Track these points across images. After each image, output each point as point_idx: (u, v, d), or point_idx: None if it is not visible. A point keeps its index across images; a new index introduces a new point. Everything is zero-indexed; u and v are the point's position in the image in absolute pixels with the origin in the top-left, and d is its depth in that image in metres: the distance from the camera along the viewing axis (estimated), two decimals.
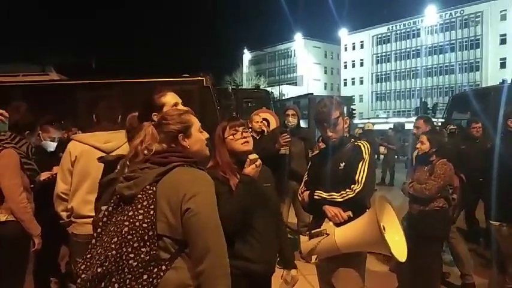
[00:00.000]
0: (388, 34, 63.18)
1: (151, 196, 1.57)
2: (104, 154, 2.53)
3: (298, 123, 5.16)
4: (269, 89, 23.62)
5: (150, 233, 1.52)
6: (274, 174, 2.63)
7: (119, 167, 1.86)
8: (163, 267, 1.53)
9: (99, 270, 1.46)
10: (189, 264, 1.58)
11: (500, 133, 3.71)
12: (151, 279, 1.50)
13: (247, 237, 2.16)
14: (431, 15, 54.99)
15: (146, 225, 1.52)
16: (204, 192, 1.61)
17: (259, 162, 2.17)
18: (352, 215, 2.40)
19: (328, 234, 2.39)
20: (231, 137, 2.25)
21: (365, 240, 2.31)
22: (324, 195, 2.47)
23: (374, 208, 2.24)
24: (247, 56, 76.64)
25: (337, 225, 2.40)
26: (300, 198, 2.71)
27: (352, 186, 2.42)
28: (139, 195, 1.57)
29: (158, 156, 1.67)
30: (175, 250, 1.58)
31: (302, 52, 70.53)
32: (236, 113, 8.79)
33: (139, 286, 1.49)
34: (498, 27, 50.95)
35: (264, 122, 5.48)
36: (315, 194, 2.51)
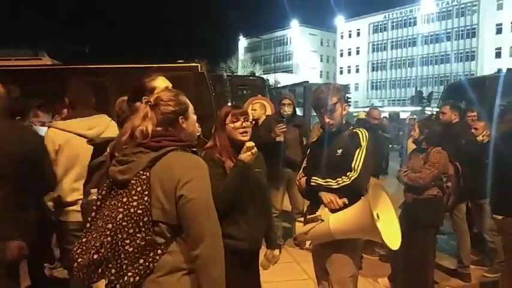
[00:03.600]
0: (385, 22, 62.94)
1: (145, 182, 1.55)
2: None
3: (294, 111, 5.16)
4: (264, 76, 23.53)
5: (145, 219, 1.52)
6: (269, 161, 2.66)
7: (108, 149, 1.85)
8: (159, 252, 1.55)
9: (95, 256, 1.47)
10: (184, 249, 1.59)
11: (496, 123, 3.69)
12: (147, 263, 1.52)
13: (235, 218, 2.28)
14: (428, 4, 54.75)
15: (141, 211, 1.52)
16: (198, 177, 1.60)
17: (255, 150, 2.28)
18: (347, 202, 2.41)
19: (322, 220, 2.41)
20: (232, 124, 2.35)
21: (358, 227, 2.34)
22: (320, 181, 2.49)
23: (367, 196, 2.26)
24: (242, 42, 76.15)
25: (333, 211, 2.42)
26: (297, 184, 2.73)
27: (348, 173, 2.43)
28: (133, 181, 1.56)
29: (152, 140, 1.64)
30: (171, 235, 1.59)
31: (298, 39, 70.16)
32: (231, 99, 8.73)
33: (136, 270, 1.51)
34: (494, 17, 50.91)
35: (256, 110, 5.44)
36: (312, 180, 2.53)
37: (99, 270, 1.48)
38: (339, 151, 2.51)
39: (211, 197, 1.63)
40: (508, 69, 9.06)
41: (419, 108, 27.79)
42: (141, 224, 1.51)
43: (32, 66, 7.02)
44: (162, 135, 1.66)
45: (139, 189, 1.54)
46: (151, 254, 1.54)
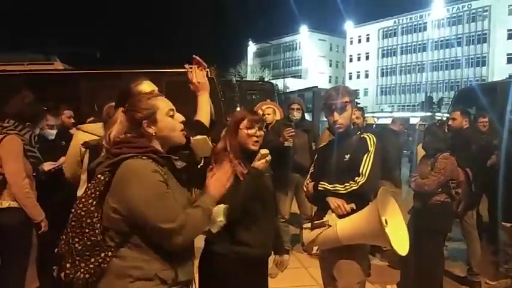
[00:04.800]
0: (395, 27, 62.69)
1: (98, 186, 1.61)
2: None
3: (303, 116, 5.15)
4: (273, 81, 23.53)
5: (88, 221, 1.58)
6: (278, 166, 2.64)
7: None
8: (110, 254, 1.59)
9: (57, 250, 1.62)
10: (135, 255, 1.60)
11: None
12: (97, 264, 1.58)
13: (248, 224, 2.24)
14: (438, 9, 54.49)
15: (84, 213, 1.58)
16: (140, 189, 1.56)
17: (269, 157, 2.26)
18: (355, 207, 2.39)
19: (330, 226, 2.40)
20: (246, 130, 2.27)
21: (366, 232, 2.32)
22: (328, 186, 2.48)
23: (376, 201, 2.24)
24: (251, 48, 76.37)
25: (340, 217, 2.41)
26: (305, 189, 2.72)
27: (356, 178, 2.42)
28: (91, 184, 1.64)
29: (115, 147, 1.66)
30: (119, 240, 1.61)
31: (307, 45, 70.17)
32: (240, 104, 8.76)
33: (87, 268, 1.57)
34: (505, 22, 50.40)
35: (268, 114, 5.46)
36: (319, 185, 2.52)
37: (62, 263, 1.59)
38: (347, 156, 2.50)
39: (159, 201, 1.57)
40: None
41: (429, 113, 27.56)
42: (83, 225, 1.57)
43: (44, 70, 7.13)
44: (124, 142, 1.66)
45: (89, 192, 1.61)
46: (103, 254, 1.58)
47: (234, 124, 2.29)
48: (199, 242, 2.40)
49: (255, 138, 2.26)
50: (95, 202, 1.59)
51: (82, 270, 1.57)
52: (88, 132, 2.80)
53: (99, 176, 1.63)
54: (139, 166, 1.59)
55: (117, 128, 1.71)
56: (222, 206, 1.84)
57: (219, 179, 1.78)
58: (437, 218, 3.57)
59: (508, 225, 3.03)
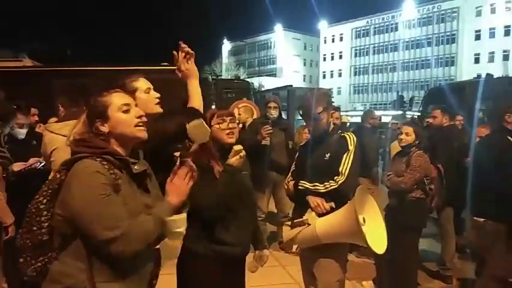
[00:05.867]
0: (367, 27, 63.76)
1: (52, 184, 1.57)
2: None
3: (280, 115, 5.18)
4: (248, 79, 23.53)
5: (37, 219, 1.55)
6: (255, 164, 2.65)
7: None
8: (54, 255, 1.57)
9: (16, 242, 1.60)
10: (72, 261, 1.53)
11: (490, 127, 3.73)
12: (44, 262, 1.56)
13: (226, 222, 2.22)
14: (409, 10, 55.77)
15: (34, 210, 1.56)
16: (79, 190, 1.49)
17: (243, 153, 2.24)
18: (334, 206, 2.42)
19: (309, 224, 2.42)
20: (217, 125, 2.27)
21: (343, 231, 2.35)
22: (308, 185, 2.50)
23: (353, 200, 2.28)
24: (226, 46, 76.11)
25: (320, 215, 2.43)
26: (285, 188, 2.74)
27: (336, 177, 2.45)
28: (47, 182, 1.61)
29: (75, 146, 1.62)
30: (61, 243, 1.57)
31: (282, 44, 70.49)
32: (216, 103, 8.71)
33: (36, 266, 1.56)
34: (473, 23, 52.11)
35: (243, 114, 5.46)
36: (299, 184, 2.54)
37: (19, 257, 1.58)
38: (327, 155, 2.53)
39: (100, 205, 1.47)
40: (487, 75, 9.28)
41: (400, 112, 28.17)
42: (33, 222, 1.56)
43: (12, 68, 6.89)
44: (82, 141, 1.61)
45: (43, 190, 1.58)
46: (49, 254, 1.56)
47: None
48: (177, 241, 2.37)
49: (228, 131, 2.26)
50: (45, 200, 1.55)
51: (32, 267, 1.55)
52: (54, 132, 2.73)
53: (56, 174, 1.59)
54: (84, 166, 1.52)
55: (78, 126, 1.68)
56: (184, 215, 1.65)
57: (177, 186, 1.65)
58: (413, 215, 3.65)
59: (481, 220, 3.13)
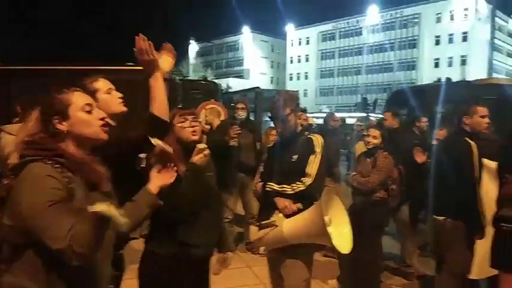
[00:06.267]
0: (333, 31, 64.91)
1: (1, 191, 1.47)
2: None
3: (248, 116, 5.18)
4: (216, 81, 23.41)
5: None
6: (223, 166, 2.63)
7: None
8: (4, 267, 1.46)
9: None
10: (22, 273, 1.44)
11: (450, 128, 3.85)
12: None
13: (190, 223, 2.19)
14: (373, 15, 57.31)
15: None
16: (28, 195, 1.40)
17: (207, 151, 2.20)
18: (301, 207, 2.44)
19: (277, 226, 2.42)
20: (180, 124, 2.24)
21: (310, 232, 2.37)
22: (276, 187, 2.51)
23: (320, 201, 2.30)
24: (194, 47, 75.40)
25: (287, 217, 2.44)
26: (254, 189, 2.74)
27: (303, 179, 2.48)
28: None
29: (24, 149, 1.51)
30: (12, 253, 1.47)
31: (249, 46, 70.66)
32: (183, 104, 8.60)
33: None
34: (434, 29, 54.19)
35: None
36: (267, 185, 2.54)
37: None
38: (294, 157, 2.55)
39: (46, 215, 1.38)
40: (447, 79, 9.67)
41: (364, 114, 28.86)
42: None
43: None
44: (33, 143, 1.51)
45: None
46: (1, 266, 1.46)
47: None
48: (139, 244, 2.33)
49: (191, 129, 2.24)
50: None
51: None
52: (12, 134, 2.63)
53: (3, 180, 1.48)
54: (34, 170, 1.43)
55: (29, 127, 1.55)
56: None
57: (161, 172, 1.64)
58: (377, 214, 3.75)
59: (441, 218, 3.24)
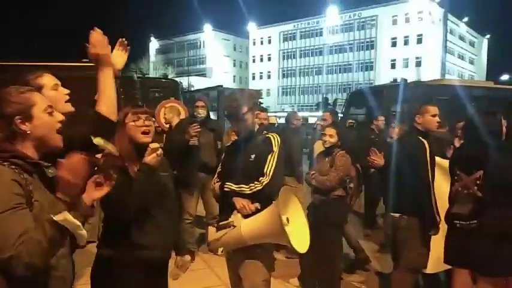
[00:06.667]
0: (294, 31, 65.77)
1: None
2: None
3: (208, 115, 5.11)
4: (178, 79, 23.09)
5: None
6: (183, 165, 2.57)
7: None
8: None
9: None
10: None
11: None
12: None
13: (144, 225, 2.12)
14: (332, 16, 58.57)
15: None
16: None
17: (160, 151, 2.14)
18: (259, 207, 2.43)
19: (235, 226, 2.40)
20: (132, 123, 2.17)
21: (267, 232, 2.36)
22: (234, 187, 2.49)
23: (277, 201, 2.30)
24: (154, 44, 74.06)
25: (245, 217, 2.42)
26: (212, 189, 2.70)
27: (260, 178, 2.46)
28: None
29: None
30: None
31: (211, 44, 70.25)
32: (142, 102, 8.40)
33: None
34: (390, 31, 56.13)
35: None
36: (225, 185, 2.51)
37: None
38: (252, 156, 2.53)
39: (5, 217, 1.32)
40: (403, 79, 10.04)
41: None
42: None
43: None
44: None
45: None
46: None
47: (119, 123, 2.13)
48: (92, 247, 2.22)
49: (143, 129, 2.17)
50: None
51: None
52: None
53: None
54: None
55: None
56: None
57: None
58: (336, 212, 3.81)
59: (397, 215, 3.33)
